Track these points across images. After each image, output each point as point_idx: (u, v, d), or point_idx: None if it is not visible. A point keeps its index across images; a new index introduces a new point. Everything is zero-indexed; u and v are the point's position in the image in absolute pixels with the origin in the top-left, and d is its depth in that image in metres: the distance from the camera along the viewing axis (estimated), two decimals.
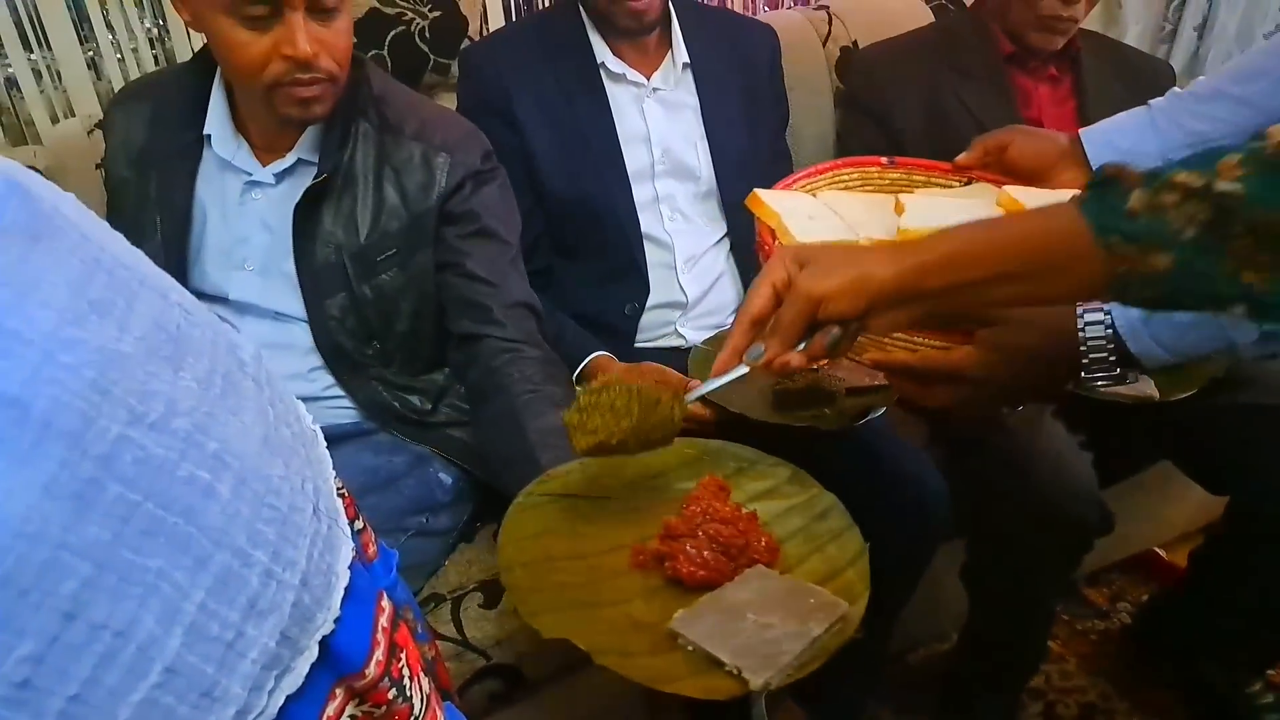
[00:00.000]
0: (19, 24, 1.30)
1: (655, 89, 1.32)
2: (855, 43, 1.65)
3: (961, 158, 1.07)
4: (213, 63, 1.06)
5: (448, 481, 1.13)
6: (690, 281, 1.34)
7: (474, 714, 1.07)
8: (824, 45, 1.64)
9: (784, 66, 1.48)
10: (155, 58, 1.40)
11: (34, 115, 1.35)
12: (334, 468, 0.50)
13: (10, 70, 1.32)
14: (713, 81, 1.34)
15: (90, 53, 1.36)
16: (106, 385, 0.34)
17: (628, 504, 0.84)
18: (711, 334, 1.34)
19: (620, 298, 1.32)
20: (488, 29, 1.52)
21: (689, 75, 1.33)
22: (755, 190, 0.98)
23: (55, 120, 1.36)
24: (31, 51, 1.32)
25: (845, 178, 1.09)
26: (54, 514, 0.32)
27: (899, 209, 0.97)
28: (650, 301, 1.32)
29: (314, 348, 1.10)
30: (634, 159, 1.30)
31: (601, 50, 1.29)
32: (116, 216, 1.12)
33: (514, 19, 1.62)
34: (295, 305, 1.10)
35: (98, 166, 1.22)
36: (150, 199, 1.09)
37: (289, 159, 1.07)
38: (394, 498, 1.09)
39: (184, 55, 1.41)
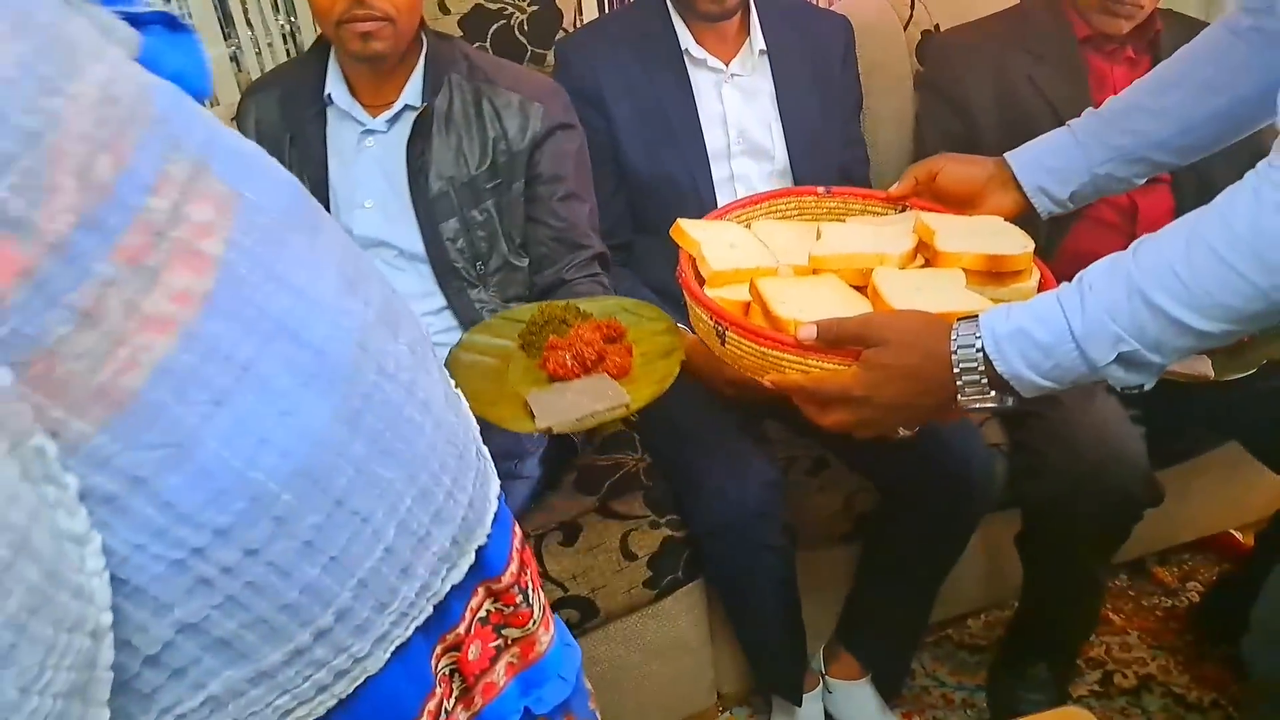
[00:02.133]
0: None
1: (733, 74, 1.40)
2: (937, 26, 1.66)
3: (894, 188, 1.08)
4: (328, 44, 1.25)
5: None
6: None
7: None
8: (905, 29, 1.67)
9: (864, 51, 1.53)
10: (287, 51, 1.58)
11: None
12: None
13: None
14: (787, 68, 1.41)
15: (233, 48, 1.54)
16: (364, 343, 0.47)
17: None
18: None
19: None
20: (581, 20, 1.63)
21: (765, 61, 1.41)
22: (678, 220, 1.01)
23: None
24: None
25: (782, 206, 1.12)
26: (337, 432, 0.45)
27: (819, 237, 0.99)
28: None
29: (429, 278, 1.27)
30: (712, 139, 1.39)
31: (685, 37, 1.38)
32: None
33: (606, 11, 1.73)
34: (410, 238, 1.27)
35: None
36: (288, 165, 1.26)
37: (396, 106, 1.25)
38: (486, 445, 1.22)
39: None
